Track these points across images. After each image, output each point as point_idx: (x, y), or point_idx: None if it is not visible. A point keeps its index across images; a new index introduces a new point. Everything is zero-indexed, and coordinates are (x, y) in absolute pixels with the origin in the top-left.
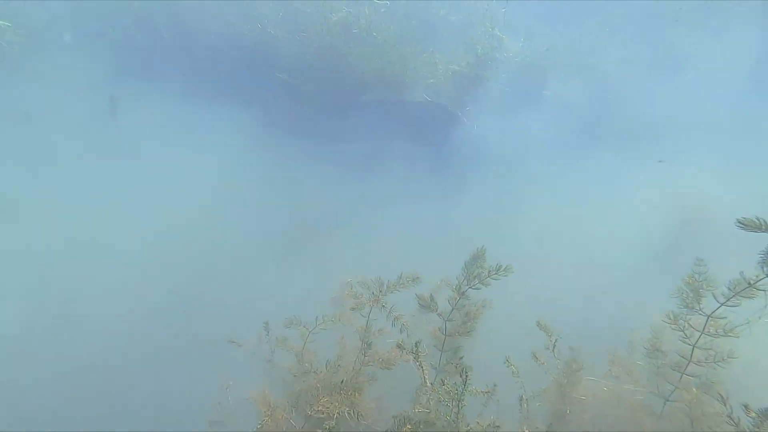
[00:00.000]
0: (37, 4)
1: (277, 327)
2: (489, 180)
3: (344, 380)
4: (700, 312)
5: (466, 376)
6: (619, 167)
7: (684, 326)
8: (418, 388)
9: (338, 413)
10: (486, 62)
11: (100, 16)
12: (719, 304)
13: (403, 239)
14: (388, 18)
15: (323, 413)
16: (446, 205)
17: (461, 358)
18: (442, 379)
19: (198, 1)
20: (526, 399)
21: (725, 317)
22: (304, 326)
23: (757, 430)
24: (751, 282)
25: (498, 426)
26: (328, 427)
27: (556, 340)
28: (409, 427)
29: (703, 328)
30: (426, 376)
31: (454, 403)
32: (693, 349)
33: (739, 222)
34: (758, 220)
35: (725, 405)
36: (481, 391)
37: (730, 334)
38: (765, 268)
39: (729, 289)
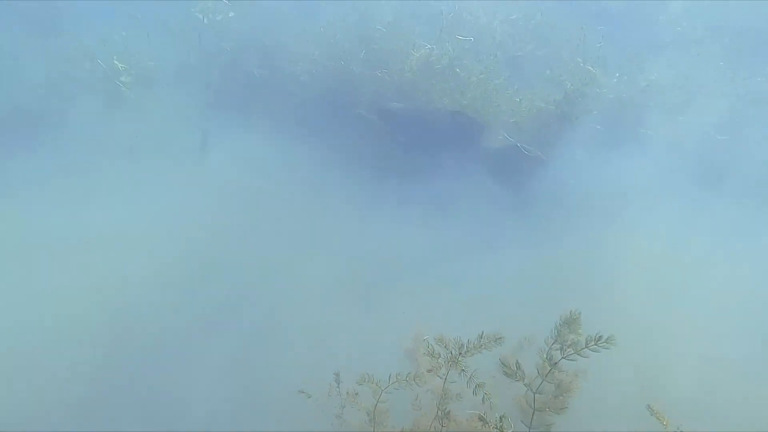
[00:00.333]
0: (148, 47)
1: (349, 378)
2: (580, 228)
3: None
4: None
5: None
6: (739, 219)
7: None
8: None
9: None
10: (575, 99)
11: (200, 56)
12: None
13: (484, 289)
14: (471, 54)
15: None
16: (532, 255)
17: None
18: None
19: (287, 40)
20: None
21: None
22: (377, 384)
23: None
24: None
25: None
26: None
27: None
28: None
29: None
30: None
31: None
32: None
33: None
34: None
35: None
36: None
37: None
38: None
39: None
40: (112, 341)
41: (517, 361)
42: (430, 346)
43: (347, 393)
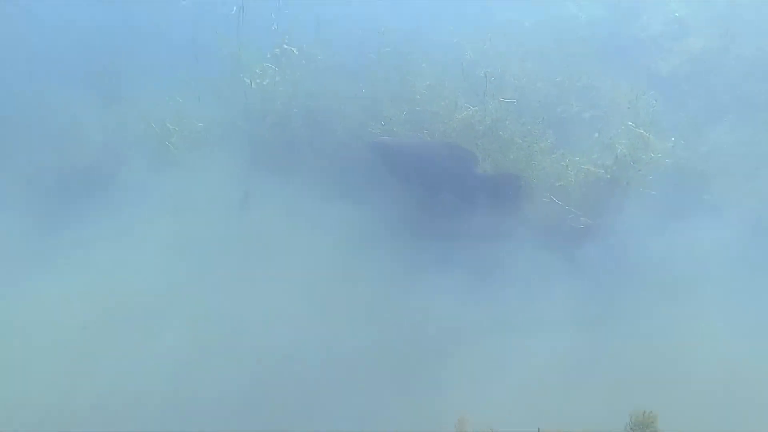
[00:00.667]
0: (198, 110)
1: None
2: (641, 305)
3: None
4: None
5: None
6: None
7: None
8: None
9: None
10: (628, 163)
11: (245, 118)
12: None
13: (537, 374)
14: (514, 116)
15: None
16: (590, 336)
17: None
18: None
19: (329, 103)
20: None
21: None
22: None
23: None
24: None
25: None
26: None
27: None
28: None
29: None
30: None
31: None
32: None
33: None
34: None
35: None
36: None
37: None
38: None
39: None
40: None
41: None
42: None
43: None
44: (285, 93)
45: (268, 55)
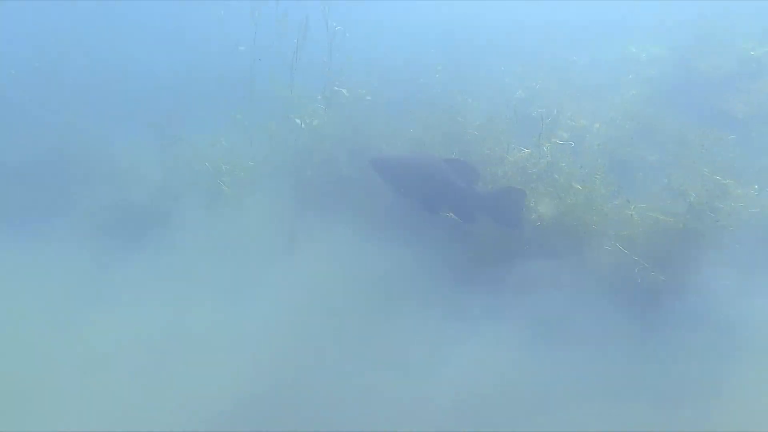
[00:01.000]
0: (250, 149)
1: None
2: (731, 378)
3: None
4: None
5: None
6: None
7: None
8: None
9: None
10: (703, 213)
11: (294, 157)
12: None
13: None
14: (570, 158)
15: None
16: (663, 411)
17: None
18: None
19: (378, 143)
20: None
21: None
22: None
23: None
24: None
25: None
26: None
27: None
28: None
29: None
30: None
31: None
32: None
33: None
34: None
35: None
36: None
37: None
38: None
39: None
40: None
41: None
42: None
43: None
44: (334, 133)
45: (319, 96)
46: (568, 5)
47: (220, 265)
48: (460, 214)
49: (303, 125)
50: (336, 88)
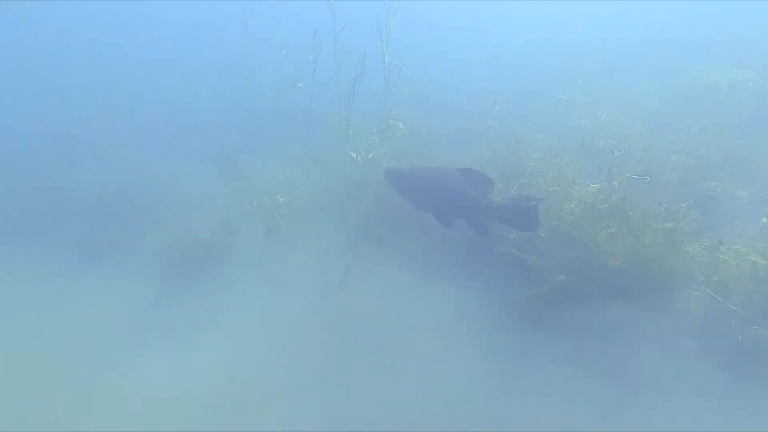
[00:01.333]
0: (306, 183)
1: None
2: None
3: None
4: None
5: None
6: None
7: None
8: None
9: None
10: None
11: (349, 190)
12: None
13: None
14: (646, 193)
15: None
16: None
17: None
18: None
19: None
20: None
21: None
22: None
23: None
24: None
25: None
26: None
27: None
28: None
29: None
30: None
31: None
32: None
33: None
34: None
35: None
36: None
37: None
38: None
39: None
40: None
41: None
42: None
43: None
44: (388, 166)
45: (374, 130)
46: (630, 29)
47: (274, 300)
48: (474, 226)
49: (358, 158)
50: (392, 120)
